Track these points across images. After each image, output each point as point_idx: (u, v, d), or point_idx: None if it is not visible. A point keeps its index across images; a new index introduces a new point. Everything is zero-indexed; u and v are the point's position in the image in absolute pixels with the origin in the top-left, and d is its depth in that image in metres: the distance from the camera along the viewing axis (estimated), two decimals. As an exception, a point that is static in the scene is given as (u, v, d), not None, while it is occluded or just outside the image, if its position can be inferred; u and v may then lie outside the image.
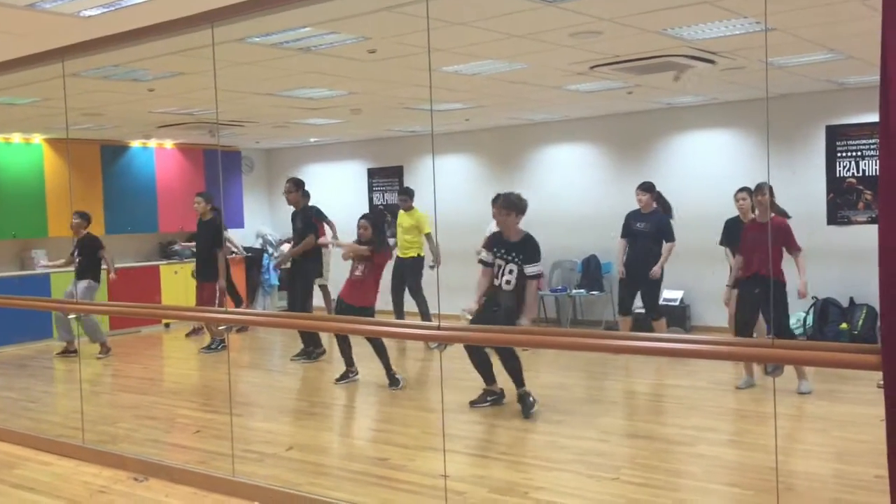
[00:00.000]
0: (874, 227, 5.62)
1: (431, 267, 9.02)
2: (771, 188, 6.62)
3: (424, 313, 9.11)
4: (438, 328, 4.11)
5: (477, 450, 5.29)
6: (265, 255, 12.27)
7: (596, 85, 7.62)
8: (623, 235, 8.25)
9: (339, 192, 12.11)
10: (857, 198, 8.54)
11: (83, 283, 9.20)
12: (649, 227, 8.05)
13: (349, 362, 7.36)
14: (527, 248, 6.02)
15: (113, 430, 5.97)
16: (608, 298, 10.02)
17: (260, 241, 12.56)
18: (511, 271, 5.99)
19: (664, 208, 8.11)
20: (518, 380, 6.07)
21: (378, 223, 7.47)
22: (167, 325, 11.21)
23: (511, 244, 6.05)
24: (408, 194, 9.50)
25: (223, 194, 12.39)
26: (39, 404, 7.26)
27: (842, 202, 8.62)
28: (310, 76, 6.86)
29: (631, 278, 8.16)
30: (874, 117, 2.68)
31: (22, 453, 5.50)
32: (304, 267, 8.39)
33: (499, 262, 6.07)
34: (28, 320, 9.87)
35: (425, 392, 7.19)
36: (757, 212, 6.66)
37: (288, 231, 12.76)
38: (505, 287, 6.01)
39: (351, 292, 7.13)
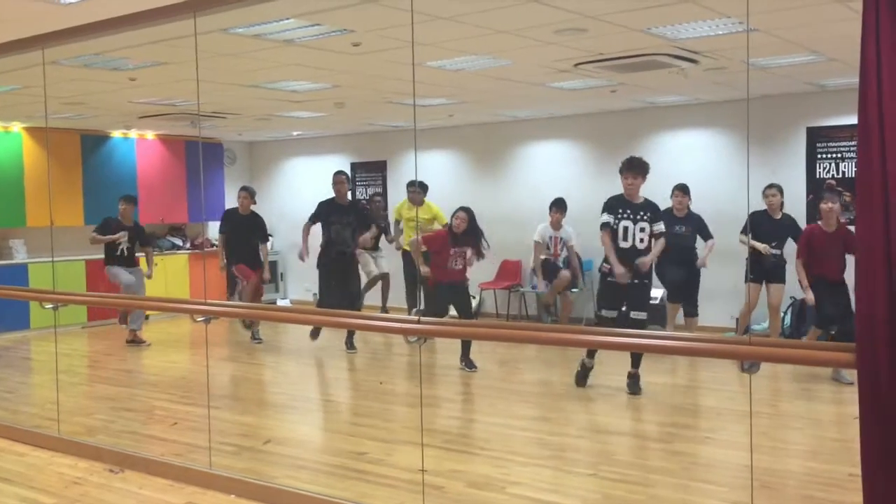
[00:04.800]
0: (852, 229, 5.65)
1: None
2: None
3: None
4: (418, 322, 4.11)
5: (455, 444, 5.29)
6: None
7: (580, 83, 7.63)
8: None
9: (323, 187, 11.98)
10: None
11: (138, 270, 9.35)
12: (689, 231, 7.99)
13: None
14: (652, 208, 6.52)
15: (89, 422, 5.92)
16: (589, 295, 10.04)
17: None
18: (643, 229, 6.44)
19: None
20: (636, 361, 6.48)
21: (472, 215, 7.48)
22: (147, 317, 11.12)
23: (637, 206, 6.48)
24: (421, 187, 9.30)
25: (204, 187, 12.34)
26: (16, 394, 7.20)
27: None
28: (293, 68, 6.82)
29: (673, 280, 8.04)
30: (854, 119, 2.69)
31: (-4, 444, 5.45)
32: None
33: (625, 223, 6.44)
34: (5, 310, 9.77)
35: (405, 386, 7.19)
36: (825, 220, 6.69)
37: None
38: (639, 245, 6.44)
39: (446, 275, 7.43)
